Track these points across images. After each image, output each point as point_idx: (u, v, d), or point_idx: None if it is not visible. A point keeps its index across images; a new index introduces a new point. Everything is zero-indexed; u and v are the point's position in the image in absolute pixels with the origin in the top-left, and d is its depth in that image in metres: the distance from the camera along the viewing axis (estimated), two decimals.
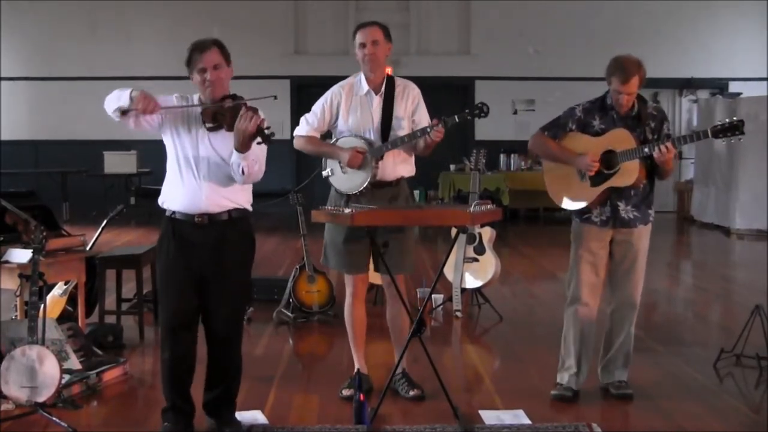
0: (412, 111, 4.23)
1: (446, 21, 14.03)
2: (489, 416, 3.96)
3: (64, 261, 4.85)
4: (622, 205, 4.15)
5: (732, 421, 3.96)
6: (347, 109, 4.22)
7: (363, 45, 4.14)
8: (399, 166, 4.22)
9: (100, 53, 13.85)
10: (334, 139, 4.29)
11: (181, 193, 3.57)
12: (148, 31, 13.93)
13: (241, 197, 3.64)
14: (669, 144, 3.94)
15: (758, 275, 7.76)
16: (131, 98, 3.43)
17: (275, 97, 3.68)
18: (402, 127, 4.19)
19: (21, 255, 4.58)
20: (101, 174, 13.09)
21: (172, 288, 3.60)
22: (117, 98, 3.47)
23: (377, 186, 4.19)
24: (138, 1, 13.81)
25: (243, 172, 3.47)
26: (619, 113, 4.13)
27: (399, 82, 4.26)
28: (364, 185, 4.17)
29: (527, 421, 3.90)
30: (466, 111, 4.17)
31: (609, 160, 4.09)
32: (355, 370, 4.28)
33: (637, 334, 5.03)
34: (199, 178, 3.55)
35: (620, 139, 4.08)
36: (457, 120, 4.12)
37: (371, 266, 4.31)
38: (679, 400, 4.24)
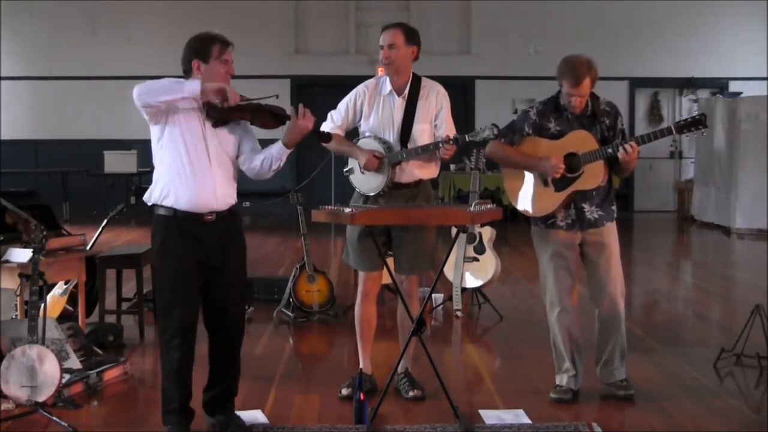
0: (435, 114, 4.22)
1: (446, 21, 14.03)
2: (489, 416, 3.96)
3: (65, 260, 4.84)
4: (587, 207, 4.11)
5: (732, 421, 3.95)
6: (369, 109, 4.23)
7: (381, 47, 4.15)
8: (416, 169, 4.21)
9: (100, 53, 13.86)
10: (357, 138, 4.30)
11: (191, 190, 3.50)
12: (148, 31, 13.93)
13: (235, 192, 3.68)
14: (633, 143, 3.92)
15: (758, 275, 7.76)
16: (205, 90, 3.35)
17: (277, 96, 3.73)
18: (422, 131, 4.18)
19: (21, 254, 4.58)
20: (101, 173, 13.10)
21: (183, 288, 3.54)
22: (180, 89, 3.38)
23: (395, 187, 4.20)
24: (138, 1, 13.81)
25: (278, 166, 3.59)
26: (573, 113, 4.10)
27: (425, 84, 4.24)
28: (382, 188, 4.18)
29: (527, 421, 3.90)
30: (480, 129, 4.17)
31: (571, 163, 4.04)
32: (358, 370, 4.28)
33: (637, 334, 5.02)
34: (214, 176, 3.54)
35: (581, 140, 4.03)
36: (468, 139, 4.12)
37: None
38: (679, 400, 4.23)
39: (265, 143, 3.69)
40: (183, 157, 3.52)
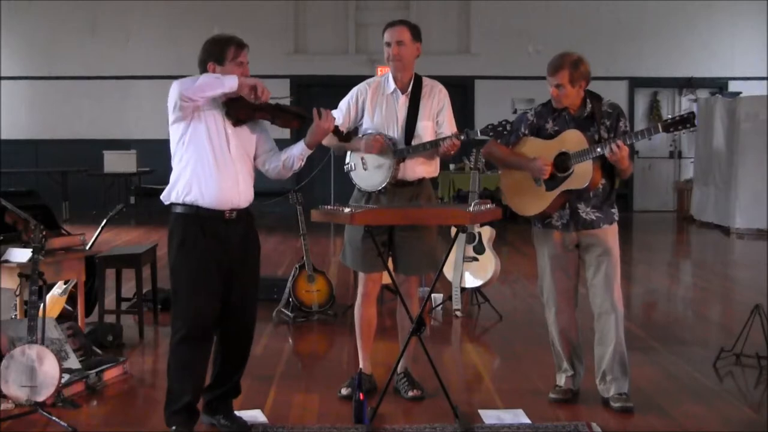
0: (437, 112, 4.24)
1: (446, 20, 14.03)
2: (489, 415, 3.96)
3: (64, 260, 4.84)
4: (582, 207, 4.06)
5: (732, 421, 3.95)
6: (372, 107, 4.24)
7: (388, 44, 4.15)
8: (419, 166, 4.23)
9: (100, 53, 13.86)
10: (359, 136, 4.30)
11: (215, 184, 3.51)
12: (148, 31, 13.93)
13: (253, 191, 3.71)
14: (620, 142, 3.85)
15: (758, 274, 7.76)
16: (241, 84, 3.45)
17: (291, 98, 3.82)
18: (426, 128, 4.20)
19: (21, 254, 4.57)
20: (101, 173, 13.10)
21: (203, 288, 3.53)
22: (221, 84, 3.44)
23: (398, 185, 4.20)
24: (138, 1, 13.80)
25: (299, 166, 3.68)
26: (571, 113, 4.06)
27: (427, 83, 4.27)
28: (384, 183, 4.18)
29: (527, 421, 3.90)
30: (489, 126, 4.18)
31: (562, 163, 4.01)
32: (358, 370, 4.28)
33: (637, 334, 5.01)
34: (237, 172, 3.57)
35: (572, 140, 3.99)
36: (479, 135, 4.16)
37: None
38: (679, 400, 4.23)
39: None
40: (208, 152, 3.52)
